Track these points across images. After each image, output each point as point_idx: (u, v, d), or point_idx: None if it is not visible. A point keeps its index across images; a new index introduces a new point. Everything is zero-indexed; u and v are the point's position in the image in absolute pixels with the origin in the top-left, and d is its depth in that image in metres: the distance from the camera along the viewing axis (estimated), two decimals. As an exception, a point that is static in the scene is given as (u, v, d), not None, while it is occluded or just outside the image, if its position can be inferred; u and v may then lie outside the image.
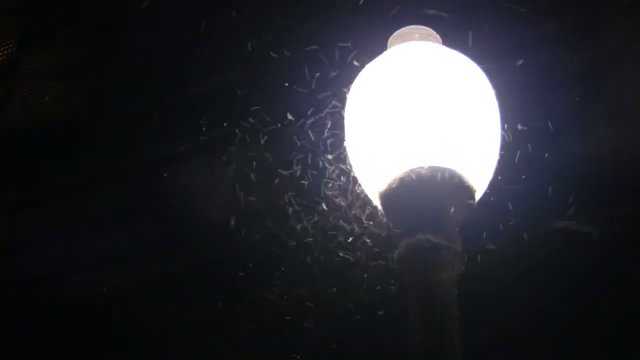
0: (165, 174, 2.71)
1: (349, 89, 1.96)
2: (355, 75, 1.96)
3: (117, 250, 2.94)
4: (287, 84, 2.40)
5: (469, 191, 1.78)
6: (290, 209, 2.54)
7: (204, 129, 2.61)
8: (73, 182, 2.80)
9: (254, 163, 2.56)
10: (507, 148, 2.02)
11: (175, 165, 2.73)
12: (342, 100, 2.02)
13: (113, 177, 2.79)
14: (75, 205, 2.86)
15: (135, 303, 3.00)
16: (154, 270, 2.97)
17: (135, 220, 2.89)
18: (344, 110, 1.98)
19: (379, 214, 1.89)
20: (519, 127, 2.25)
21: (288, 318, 2.91)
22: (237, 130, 2.53)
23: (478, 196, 1.83)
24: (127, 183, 2.79)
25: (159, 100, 2.60)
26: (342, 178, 2.24)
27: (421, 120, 1.79)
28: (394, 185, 1.76)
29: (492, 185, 1.91)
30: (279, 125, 2.46)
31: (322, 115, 2.30)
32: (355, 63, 2.12)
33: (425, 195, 1.74)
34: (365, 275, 2.63)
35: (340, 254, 2.53)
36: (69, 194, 2.84)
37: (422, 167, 1.74)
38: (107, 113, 2.65)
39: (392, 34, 2.03)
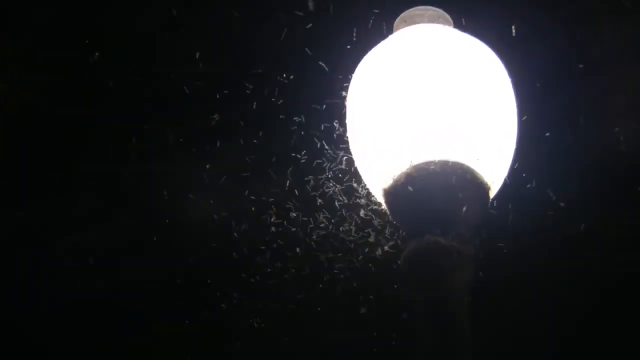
0: (148, 171, 2.62)
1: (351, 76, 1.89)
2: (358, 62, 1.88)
3: (96, 251, 2.85)
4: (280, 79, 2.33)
5: (482, 188, 1.69)
6: (286, 206, 2.47)
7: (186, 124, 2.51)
8: (51, 181, 2.70)
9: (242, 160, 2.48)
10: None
11: (159, 162, 2.63)
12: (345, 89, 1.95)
13: (92, 176, 2.69)
14: (51, 205, 2.77)
15: (117, 306, 2.92)
16: (137, 273, 2.88)
17: (115, 221, 2.79)
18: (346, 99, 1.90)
19: (384, 212, 1.78)
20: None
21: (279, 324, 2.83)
22: (227, 124, 2.45)
23: (492, 194, 1.75)
24: (107, 181, 2.70)
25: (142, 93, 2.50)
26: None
27: (430, 110, 1.70)
28: (400, 181, 1.67)
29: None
30: (270, 118, 2.39)
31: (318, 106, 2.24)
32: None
33: (434, 193, 1.65)
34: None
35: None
36: (47, 193, 2.75)
37: (431, 161, 1.66)
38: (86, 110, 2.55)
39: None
